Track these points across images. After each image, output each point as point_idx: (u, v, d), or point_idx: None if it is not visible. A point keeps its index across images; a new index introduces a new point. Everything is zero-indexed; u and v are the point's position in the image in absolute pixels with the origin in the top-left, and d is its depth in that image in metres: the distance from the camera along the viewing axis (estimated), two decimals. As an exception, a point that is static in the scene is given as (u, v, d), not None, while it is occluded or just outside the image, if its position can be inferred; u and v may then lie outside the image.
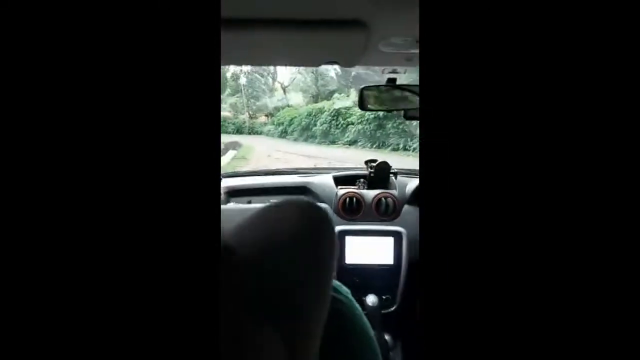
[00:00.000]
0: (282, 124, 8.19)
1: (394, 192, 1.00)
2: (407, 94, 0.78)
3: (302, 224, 0.21)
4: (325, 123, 7.08)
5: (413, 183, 1.01)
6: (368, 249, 0.98)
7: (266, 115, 8.77)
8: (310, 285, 0.20)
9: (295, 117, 7.90)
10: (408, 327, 0.95)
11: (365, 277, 0.97)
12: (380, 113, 6.14)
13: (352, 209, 0.98)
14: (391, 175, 1.06)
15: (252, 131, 8.53)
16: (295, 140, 7.58)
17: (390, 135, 6.07)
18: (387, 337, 0.94)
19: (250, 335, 0.18)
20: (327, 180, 1.06)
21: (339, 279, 0.32)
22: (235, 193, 1.06)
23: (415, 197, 1.00)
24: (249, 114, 8.73)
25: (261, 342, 0.18)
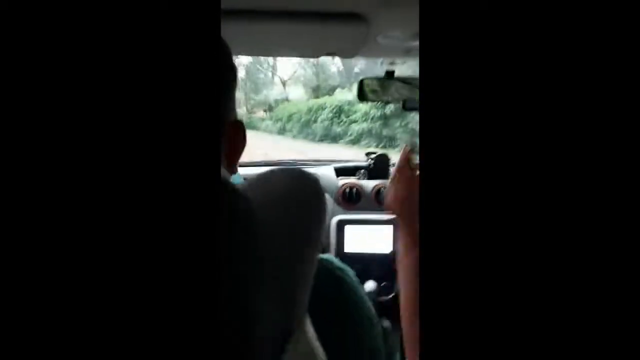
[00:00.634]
0: (281, 119, 8.08)
1: (393, 182, 1.09)
2: (406, 85, 0.86)
3: (292, 184, 0.24)
4: (327, 120, 6.94)
5: (412, 174, 1.10)
6: (367, 238, 1.06)
7: (264, 110, 8.76)
8: (301, 237, 0.22)
9: (295, 112, 7.79)
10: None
11: (364, 264, 1.04)
12: (387, 110, 6.10)
13: (352, 199, 1.06)
14: (390, 166, 1.14)
15: (249, 126, 8.41)
16: (294, 137, 7.46)
17: (398, 135, 5.99)
18: (386, 322, 1.02)
19: (251, 288, 0.19)
20: (328, 171, 1.14)
21: None
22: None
23: None
24: (246, 108, 8.74)
25: (261, 293, 0.20)
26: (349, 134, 6.63)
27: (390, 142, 5.98)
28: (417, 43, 0.59)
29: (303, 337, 0.23)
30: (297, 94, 8.70)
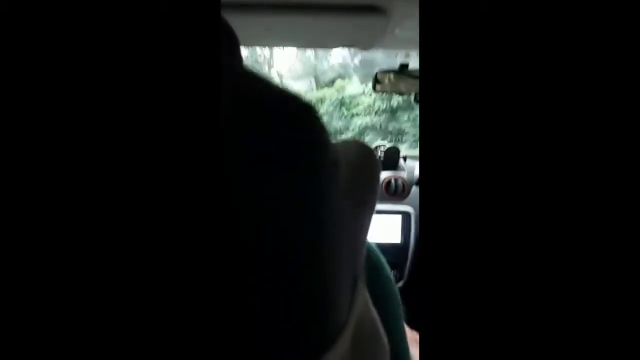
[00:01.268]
0: None
1: (403, 174, 1.17)
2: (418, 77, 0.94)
3: (362, 151, 0.27)
4: (326, 114, 6.61)
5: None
6: (378, 228, 1.15)
7: None
8: (367, 202, 0.25)
9: None
10: (416, 302, 1.11)
11: None
12: (394, 103, 5.98)
13: (363, 190, 1.15)
14: (400, 159, 1.23)
15: None
16: None
17: (406, 129, 5.89)
18: None
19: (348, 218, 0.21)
20: None
21: None
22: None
23: None
24: None
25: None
26: (351, 128, 6.39)
27: (398, 136, 5.72)
28: None
29: (365, 293, 0.25)
30: (295, 88, 8.59)
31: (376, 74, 0.94)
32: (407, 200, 1.18)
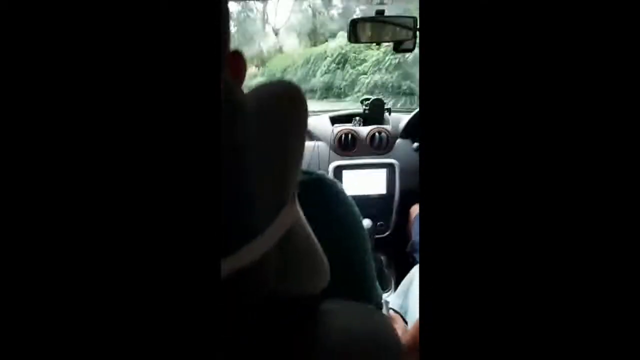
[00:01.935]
0: (274, 74, 7.50)
1: (388, 127, 1.24)
2: (397, 26, 0.92)
3: (285, 93, 0.30)
4: (329, 72, 6.27)
5: (406, 118, 1.26)
6: (364, 181, 1.24)
7: (256, 66, 8.51)
8: (287, 129, 0.28)
9: (290, 65, 7.29)
10: (401, 249, 1.24)
11: (361, 206, 1.24)
12: (408, 58, 5.39)
13: (347, 145, 1.23)
14: (385, 111, 1.29)
15: None
16: None
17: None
18: (382, 257, 1.24)
19: (249, 162, 0.24)
20: (323, 120, 1.30)
21: None
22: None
23: (407, 131, 1.24)
24: None
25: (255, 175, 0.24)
26: (357, 89, 5.87)
27: (412, 97, 5.07)
28: None
29: (298, 215, 0.29)
30: (292, 43, 8.02)
31: (350, 22, 0.96)
32: (391, 153, 1.25)
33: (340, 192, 0.48)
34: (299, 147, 0.30)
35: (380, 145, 1.24)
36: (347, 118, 1.34)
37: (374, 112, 1.27)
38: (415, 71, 5.40)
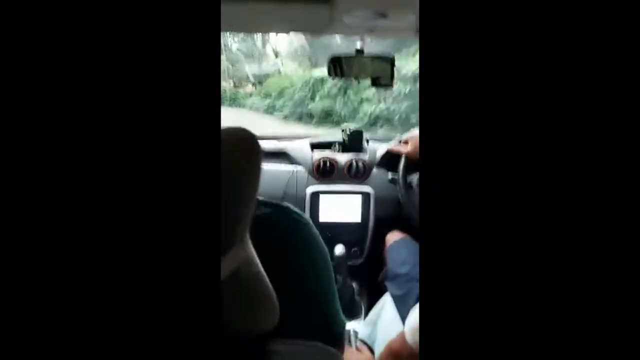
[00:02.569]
0: (270, 95, 7.62)
1: (365, 156, 1.36)
2: (375, 62, 1.02)
3: (239, 138, 0.31)
4: (328, 97, 6.13)
5: (383, 148, 1.37)
6: (339, 207, 1.32)
7: (253, 85, 8.59)
8: (237, 175, 0.30)
9: (287, 87, 7.32)
10: (373, 277, 1.32)
11: (337, 232, 1.33)
12: (417, 87, 5.38)
13: (325, 171, 1.33)
14: (364, 141, 1.41)
15: (234, 103, 8.10)
16: (286, 118, 6.97)
17: None
18: (354, 284, 1.31)
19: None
20: (303, 145, 1.41)
21: None
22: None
23: (384, 161, 1.36)
24: (233, 82, 8.70)
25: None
26: (358, 117, 5.62)
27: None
28: (380, 22, 0.73)
29: (245, 255, 0.31)
30: (292, 65, 8.21)
31: (330, 59, 1.02)
32: (367, 181, 1.34)
33: (305, 224, 0.48)
34: (250, 192, 0.31)
35: (357, 174, 1.33)
36: (326, 144, 1.46)
37: (353, 142, 1.36)
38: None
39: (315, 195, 1.29)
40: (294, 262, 0.43)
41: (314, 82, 6.80)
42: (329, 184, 1.33)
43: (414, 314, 0.91)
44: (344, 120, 5.99)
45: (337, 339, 0.49)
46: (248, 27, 0.99)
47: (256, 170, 0.32)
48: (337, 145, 1.40)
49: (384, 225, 1.29)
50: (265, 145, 1.46)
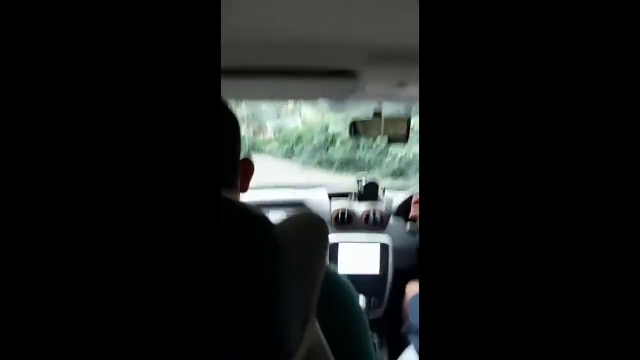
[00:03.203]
0: (288, 141, 7.76)
1: (382, 205, 1.48)
2: (393, 122, 1.17)
3: (312, 224, 0.36)
4: (349, 142, 6.07)
5: (399, 197, 1.50)
6: (358, 258, 1.40)
7: (273, 132, 8.90)
8: (314, 265, 0.34)
9: (305, 132, 7.43)
10: (394, 329, 1.37)
11: (356, 283, 1.39)
12: None
13: (343, 221, 1.46)
14: (380, 190, 1.54)
15: (253, 148, 8.38)
16: (304, 163, 7.09)
17: None
18: (374, 336, 1.37)
19: (279, 281, 0.28)
20: (321, 195, 1.55)
21: None
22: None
23: (400, 210, 1.47)
24: (252, 130, 9.02)
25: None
26: (383, 164, 5.56)
27: None
28: (398, 90, 0.84)
29: (315, 331, 0.33)
30: (311, 113, 8.40)
31: (351, 122, 1.19)
32: (385, 230, 1.44)
33: (337, 276, 0.53)
34: (320, 271, 0.35)
35: (374, 223, 1.45)
36: (343, 194, 1.60)
37: (369, 192, 1.49)
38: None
39: (334, 246, 1.39)
40: (336, 316, 0.47)
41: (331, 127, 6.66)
42: (347, 232, 1.43)
43: None
44: (367, 166, 5.85)
45: None
46: (276, 97, 1.13)
47: (326, 252, 0.37)
48: (353, 195, 1.53)
49: (402, 276, 1.35)
50: (282, 195, 1.56)
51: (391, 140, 1.21)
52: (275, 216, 0.31)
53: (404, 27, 0.48)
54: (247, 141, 8.82)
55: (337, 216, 1.46)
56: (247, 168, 0.52)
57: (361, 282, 1.38)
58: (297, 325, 0.31)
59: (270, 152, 8.16)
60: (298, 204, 1.53)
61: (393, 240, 1.41)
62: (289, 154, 7.61)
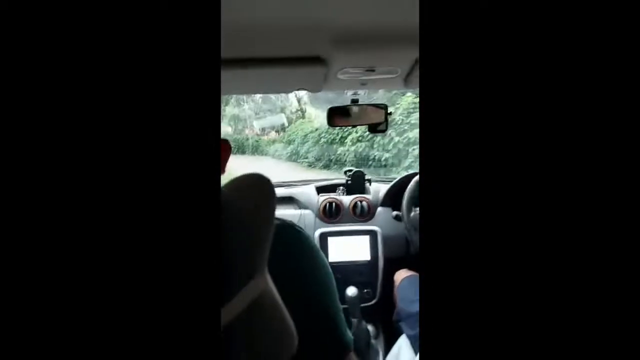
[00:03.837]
0: (293, 141, 7.59)
1: (369, 196, 1.57)
2: (370, 110, 1.26)
3: (254, 182, 0.38)
4: (362, 141, 5.93)
5: (385, 188, 1.59)
6: (348, 248, 1.49)
7: (277, 132, 8.93)
8: (257, 220, 0.36)
9: (312, 131, 7.24)
10: (388, 318, 1.40)
11: (346, 273, 1.50)
12: None
13: (331, 213, 1.55)
14: (366, 182, 1.64)
15: (257, 150, 8.43)
16: (311, 166, 6.91)
17: None
18: (369, 327, 1.43)
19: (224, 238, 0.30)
20: (309, 189, 1.64)
21: None
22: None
23: (386, 200, 1.56)
24: (256, 131, 9.17)
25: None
26: (403, 164, 5.21)
27: None
28: (370, 77, 0.90)
29: (265, 287, 0.36)
30: (316, 113, 8.25)
31: (329, 110, 1.27)
32: (373, 220, 1.53)
33: (305, 237, 0.55)
34: (268, 229, 0.37)
35: (362, 213, 1.55)
36: (332, 187, 1.68)
37: (356, 183, 1.59)
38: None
39: (324, 237, 1.48)
40: (300, 277, 0.50)
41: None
42: (336, 224, 1.52)
43: None
44: (390, 164, 5.50)
45: (347, 348, 0.55)
46: (250, 89, 1.19)
47: (273, 212, 0.39)
48: (341, 188, 1.63)
49: (393, 263, 1.41)
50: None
51: (372, 129, 1.29)
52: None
53: (367, 9, 0.52)
54: (250, 142, 8.80)
55: (325, 207, 1.56)
56: (224, 149, 0.56)
57: (352, 272, 1.47)
58: (239, 277, 0.34)
59: (274, 154, 7.98)
60: (287, 198, 1.63)
61: (381, 228, 1.49)
62: (294, 156, 7.49)
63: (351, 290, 1.25)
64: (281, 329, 0.37)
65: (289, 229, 0.56)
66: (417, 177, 1.43)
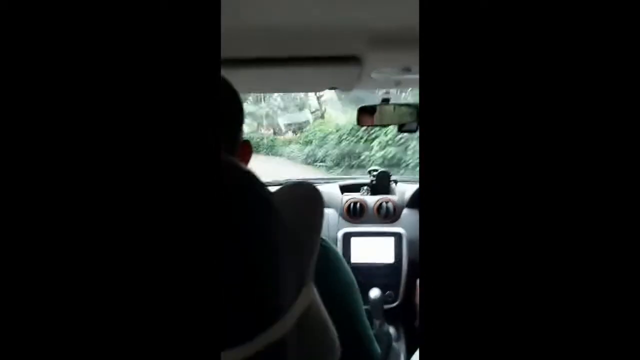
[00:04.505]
0: (311, 142, 7.42)
1: (394, 197, 1.60)
2: (402, 109, 1.27)
3: (306, 193, 0.41)
4: (392, 145, 5.69)
5: (411, 189, 1.63)
6: (371, 249, 1.49)
7: (294, 132, 9.01)
8: (308, 232, 0.38)
9: (331, 133, 7.05)
10: (411, 321, 1.42)
11: (369, 275, 1.50)
12: None
13: (355, 213, 1.54)
14: (391, 182, 1.65)
15: (271, 151, 8.44)
16: (329, 170, 6.72)
17: None
18: (391, 329, 1.47)
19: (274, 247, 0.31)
20: (334, 188, 1.64)
21: None
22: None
23: (413, 201, 1.57)
24: (273, 130, 9.22)
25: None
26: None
27: None
28: (405, 76, 0.91)
29: (314, 297, 0.37)
30: (335, 109, 8.30)
31: (359, 109, 1.29)
32: (398, 222, 1.52)
33: (333, 252, 0.59)
34: (316, 238, 0.39)
35: (387, 215, 1.56)
36: (356, 187, 1.69)
37: (381, 183, 1.60)
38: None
39: (347, 237, 1.49)
40: (333, 290, 0.52)
41: (367, 127, 5.68)
42: (360, 225, 1.54)
43: None
44: (413, 172, 5.20)
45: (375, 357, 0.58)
46: (283, 87, 1.22)
47: (321, 221, 0.41)
48: (366, 187, 1.66)
49: (418, 267, 1.40)
50: None
51: (401, 129, 1.31)
52: None
53: (404, 10, 0.54)
54: (265, 141, 8.85)
55: (348, 208, 1.59)
56: (246, 150, 0.60)
57: (375, 274, 1.47)
58: (291, 287, 0.35)
59: (289, 156, 7.84)
60: None
61: (407, 231, 1.51)
62: (310, 158, 7.33)
63: (374, 293, 1.27)
64: (328, 339, 0.39)
65: (329, 248, 0.60)
66: None
